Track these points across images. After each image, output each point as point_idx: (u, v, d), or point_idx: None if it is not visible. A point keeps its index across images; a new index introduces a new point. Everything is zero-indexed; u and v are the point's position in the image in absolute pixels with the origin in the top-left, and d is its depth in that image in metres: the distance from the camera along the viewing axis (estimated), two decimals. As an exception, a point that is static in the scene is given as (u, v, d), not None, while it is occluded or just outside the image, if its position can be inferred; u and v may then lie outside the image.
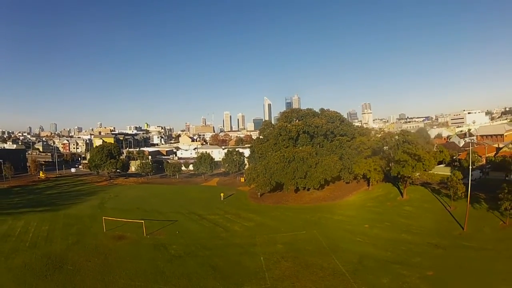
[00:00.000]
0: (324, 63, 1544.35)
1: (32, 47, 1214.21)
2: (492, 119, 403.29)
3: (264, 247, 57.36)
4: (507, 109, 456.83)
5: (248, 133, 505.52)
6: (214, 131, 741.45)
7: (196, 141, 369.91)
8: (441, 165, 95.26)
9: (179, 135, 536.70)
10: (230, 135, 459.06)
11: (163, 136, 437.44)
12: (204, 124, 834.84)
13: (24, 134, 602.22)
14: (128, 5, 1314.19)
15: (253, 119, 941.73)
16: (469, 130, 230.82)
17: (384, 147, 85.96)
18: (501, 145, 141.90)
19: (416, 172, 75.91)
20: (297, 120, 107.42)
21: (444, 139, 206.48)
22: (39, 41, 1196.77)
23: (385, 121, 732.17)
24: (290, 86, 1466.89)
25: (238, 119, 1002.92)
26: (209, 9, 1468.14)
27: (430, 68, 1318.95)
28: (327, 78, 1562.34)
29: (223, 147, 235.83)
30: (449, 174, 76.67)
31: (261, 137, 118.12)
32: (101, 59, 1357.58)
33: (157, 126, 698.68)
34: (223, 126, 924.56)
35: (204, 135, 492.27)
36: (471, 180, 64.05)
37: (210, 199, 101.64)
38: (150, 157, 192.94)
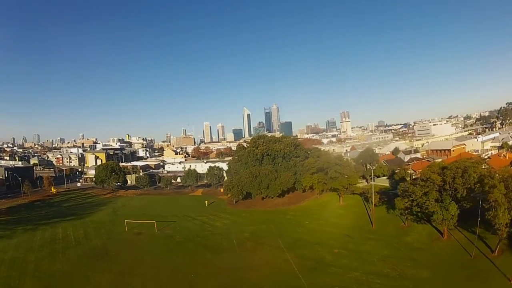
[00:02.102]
0: (303, 72, 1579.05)
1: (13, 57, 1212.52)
2: (465, 126, 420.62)
3: (236, 235, 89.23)
4: (485, 113, 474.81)
5: (228, 145, 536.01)
6: (194, 143, 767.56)
7: (179, 153, 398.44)
8: (384, 177, 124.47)
9: (161, 148, 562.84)
10: (211, 147, 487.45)
11: (147, 149, 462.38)
12: (184, 135, 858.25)
13: (9, 145, 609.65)
14: (107, 10, 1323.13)
15: (233, 129, 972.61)
16: (416, 146, 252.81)
17: (324, 167, 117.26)
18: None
19: (343, 185, 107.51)
20: (263, 144, 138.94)
21: (392, 154, 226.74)
22: (17, 49, 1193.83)
23: (364, 129, 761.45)
24: (269, 95, 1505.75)
25: (218, 130, 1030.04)
26: (187, 21, 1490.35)
27: (414, 73, 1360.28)
28: (306, 87, 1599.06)
29: (205, 160, 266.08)
30: (387, 185, 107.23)
31: (235, 157, 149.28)
32: (81, 70, 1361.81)
33: (139, 138, 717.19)
34: (203, 137, 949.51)
35: (186, 147, 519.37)
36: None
37: (197, 206, 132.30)
38: (141, 171, 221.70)
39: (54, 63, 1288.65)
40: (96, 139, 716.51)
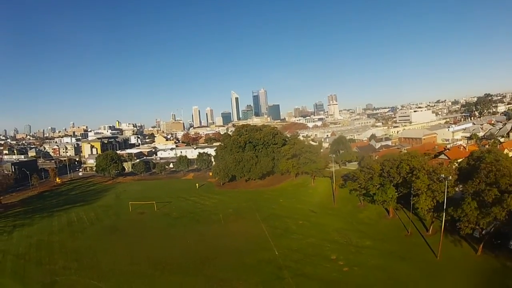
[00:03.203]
0: (291, 55, 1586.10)
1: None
2: (449, 112, 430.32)
3: (222, 210, 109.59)
4: (473, 99, 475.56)
5: (217, 129, 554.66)
6: (184, 128, 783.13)
7: (170, 140, 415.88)
8: (354, 163, 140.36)
9: (152, 134, 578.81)
10: (200, 132, 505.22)
11: (138, 136, 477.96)
12: (174, 120, 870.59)
13: (1, 137, 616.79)
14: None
15: (221, 113, 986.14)
16: (391, 134, 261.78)
17: (297, 153, 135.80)
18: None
19: (312, 169, 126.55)
20: (245, 133, 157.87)
21: (367, 140, 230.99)
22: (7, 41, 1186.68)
23: (351, 112, 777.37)
24: (257, 79, 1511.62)
25: (206, 113, 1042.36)
26: (173, 8, 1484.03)
27: (406, 54, 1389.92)
28: (294, 70, 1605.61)
29: (195, 146, 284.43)
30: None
31: (222, 144, 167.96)
32: (68, 58, 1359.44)
33: (129, 124, 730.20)
34: (193, 121, 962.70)
35: (176, 133, 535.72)
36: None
37: (189, 188, 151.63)
38: (136, 158, 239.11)
39: (41, 53, 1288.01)
40: (86, 126, 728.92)
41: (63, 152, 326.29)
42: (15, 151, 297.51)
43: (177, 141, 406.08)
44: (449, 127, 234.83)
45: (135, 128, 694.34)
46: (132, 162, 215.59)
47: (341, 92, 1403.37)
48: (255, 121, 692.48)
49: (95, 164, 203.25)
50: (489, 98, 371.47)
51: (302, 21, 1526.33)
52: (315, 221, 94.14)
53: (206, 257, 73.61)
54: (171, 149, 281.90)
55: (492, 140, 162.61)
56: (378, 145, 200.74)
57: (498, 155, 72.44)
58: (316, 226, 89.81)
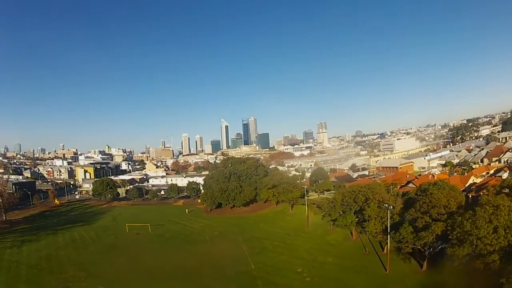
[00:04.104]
0: (281, 84, 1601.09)
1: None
2: (435, 138, 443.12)
3: (209, 233, 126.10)
4: (463, 121, 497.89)
5: (206, 157, 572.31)
6: (173, 155, 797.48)
7: (160, 167, 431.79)
8: (332, 191, 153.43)
9: (142, 160, 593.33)
10: (189, 160, 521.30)
11: (129, 162, 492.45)
12: (163, 147, 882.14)
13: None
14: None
15: (211, 141, 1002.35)
16: (369, 164, 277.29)
17: (276, 184, 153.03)
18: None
19: (289, 198, 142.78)
20: (230, 165, 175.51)
21: (346, 170, 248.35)
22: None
23: (341, 139, 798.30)
24: (247, 107, 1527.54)
25: (196, 141, 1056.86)
26: (163, 31, 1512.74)
27: (396, 79, 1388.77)
28: (284, 97, 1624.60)
29: (184, 175, 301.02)
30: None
31: (209, 174, 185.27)
32: (62, 78, 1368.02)
33: (118, 149, 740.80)
34: (182, 148, 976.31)
35: (165, 161, 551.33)
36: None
37: (180, 213, 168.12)
38: (129, 184, 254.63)
39: (30, 70, 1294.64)
40: (76, 150, 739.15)
41: (57, 174, 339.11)
42: (10, 171, 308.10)
43: (167, 169, 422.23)
44: (426, 155, 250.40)
45: (125, 154, 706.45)
46: (126, 188, 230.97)
47: (331, 119, 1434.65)
48: (244, 149, 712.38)
49: (91, 188, 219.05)
50: (470, 123, 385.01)
51: (292, 49, 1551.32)
52: (289, 242, 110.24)
53: (194, 269, 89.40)
54: (162, 176, 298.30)
55: (462, 167, 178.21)
56: (355, 175, 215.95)
57: (443, 187, 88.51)
58: (289, 246, 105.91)
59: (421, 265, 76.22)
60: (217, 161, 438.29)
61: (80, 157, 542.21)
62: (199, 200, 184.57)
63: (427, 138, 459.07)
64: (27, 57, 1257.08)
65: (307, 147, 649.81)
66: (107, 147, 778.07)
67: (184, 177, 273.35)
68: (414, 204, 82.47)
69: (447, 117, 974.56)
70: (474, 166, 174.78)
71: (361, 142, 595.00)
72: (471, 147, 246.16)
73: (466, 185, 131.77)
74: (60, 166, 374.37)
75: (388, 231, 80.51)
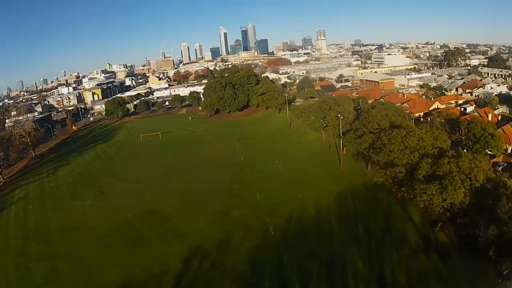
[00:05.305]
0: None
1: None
2: (429, 57, 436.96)
3: (209, 135, 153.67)
4: (462, 45, 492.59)
5: (206, 64, 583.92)
6: (174, 64, 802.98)
7: (162, 79, 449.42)
8: (315, 99, 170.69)
9: (144, 74, 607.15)
10: (190, 69, 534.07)
11: (132, 78, 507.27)
12: (164, 58, 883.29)
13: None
14: None
15: (210, 48, 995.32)
16: (351, 76, 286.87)
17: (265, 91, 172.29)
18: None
19: (275, 104, 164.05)
20: (226, 76, 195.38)
21: (330, 81, 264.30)
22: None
23: (340, 47, 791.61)
24: (245, 14, 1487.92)
25: (195, 49, 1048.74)
26: None
27: None
28: (283, 4, 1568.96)
29: (186, 85, 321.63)
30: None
31: (208, 84, 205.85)
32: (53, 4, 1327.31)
33: (119, 65, 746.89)
34: (182, 57, 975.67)
35: (166, 72, 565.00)
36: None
37: (184, 121, 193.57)
38: (135, 99, 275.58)
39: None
40: (78, 73, 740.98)
41: (66, 102, 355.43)
42: (22, 111, 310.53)
43: (169, 80, 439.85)
44: (408, 74, 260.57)
45: (127, 69, 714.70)
46: (134, 103, 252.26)
47: (331, 26, 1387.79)
48: (243, 55, 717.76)
49: (102, 108, 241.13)
50: (458, 50, 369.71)
51: None
52: (272, 141, 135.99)
53: (198, 163, 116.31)
54: (165, 88, 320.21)
55: (437, 91, 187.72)
56: (338, 85, 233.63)
57: (388, 107, 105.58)
58: (271, 144, 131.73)
59: (367, 167, 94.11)
60: (216, 67, 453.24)
61: (83, 80, 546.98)
62: (200, 108, 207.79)
63: (421, 56, 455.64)
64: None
65: (305, 53, 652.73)
66: (108, 65, 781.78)
67: (186, 87, 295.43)
68: (359, 118, 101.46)
69: (451, 37, 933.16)
70: (446, 93, 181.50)
71: (358, 52, 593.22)
72: (453, 74, 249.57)
73: (430, 109, 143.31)
74: (69, 93, 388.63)
75: (340, 135, 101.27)
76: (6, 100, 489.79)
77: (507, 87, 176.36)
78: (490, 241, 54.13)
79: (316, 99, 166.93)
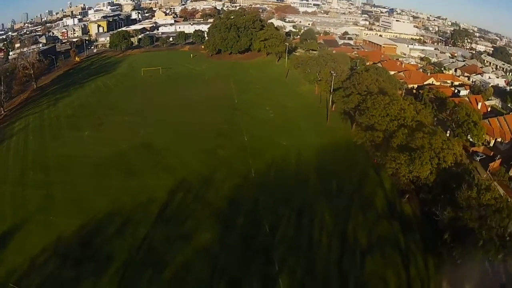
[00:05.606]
0: None
1: None
2: (438, 31, 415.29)
3: (208, 74, 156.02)
4: (472, 27, 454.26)
5: (214, 4, 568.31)
6: (181, 1, 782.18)
7: (168, 14, 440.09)
8: (315, 52, 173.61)
9: (150, 8, 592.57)
10: (197, 7, 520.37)
11: (139, 11, 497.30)
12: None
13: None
14: None
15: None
16: (355, 35, 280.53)
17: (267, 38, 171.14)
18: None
19: (275, 51, 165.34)
20: (232, 18, 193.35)
21: (332, 35, 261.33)
22: None
23: (351, 3, 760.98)
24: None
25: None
26: None
27: None
28: None
29: (191, 22, 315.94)
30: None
31: (213, 24, 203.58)
32: None
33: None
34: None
35: (174, 8, 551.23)
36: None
37: (185, 58, 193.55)
38: (140, 33, 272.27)
39: None
40: (84, 4, 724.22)
41: (71, 34, 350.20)
42: (26, 42, 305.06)
43: (175, 16, 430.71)
44: (411, 43, 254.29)
45: (133, 3, 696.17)
46: (138, 37, 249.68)
47: None
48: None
49: (106, 41, 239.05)
50: (466, 32, 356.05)
51: None
52: (267, 87, 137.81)
53: (194, 101, 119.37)
54: (171, 24, 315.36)
55: (436, 67, 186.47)
56: (340, 42, 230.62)
57: (381, 73, 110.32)
58: (266, 90, 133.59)
59: (352, 126, 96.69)
60: (224, 8, 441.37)
61: (89, 12, 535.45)
62: (202, 46, 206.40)
63: (430, 29, 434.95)
64: None
65: (315, 4, 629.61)
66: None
67: (191, 25, 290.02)
68: (350, 78, 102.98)
69: (464, 17, 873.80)
70: (445, 71, 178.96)
71: (368, 12, 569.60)
72: (456, 54, 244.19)
73: (424, 83, 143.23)
74: (74, 25, 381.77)
75: (331, 91, 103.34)
76: (10, 33, 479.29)
77: (505, 81, 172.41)
78: (446, 224, 54.48)
79: (316, 52, 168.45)
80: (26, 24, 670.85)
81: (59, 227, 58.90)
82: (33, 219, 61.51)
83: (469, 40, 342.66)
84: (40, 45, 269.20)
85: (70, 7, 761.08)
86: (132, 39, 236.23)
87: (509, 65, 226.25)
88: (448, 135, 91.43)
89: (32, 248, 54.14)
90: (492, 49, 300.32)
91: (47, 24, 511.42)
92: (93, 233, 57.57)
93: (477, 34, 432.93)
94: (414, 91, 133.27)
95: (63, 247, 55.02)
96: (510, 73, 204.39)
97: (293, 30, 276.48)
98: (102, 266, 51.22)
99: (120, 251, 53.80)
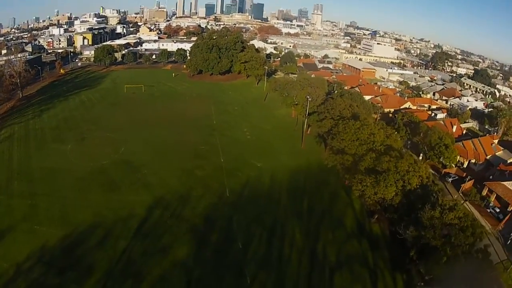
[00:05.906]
0: None
1: None
2: (419, 55, 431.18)
3: (189, 94, 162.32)
4: (455, 49, 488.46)
5: (198, 21, 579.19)
6: (167, 16, 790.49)
7: (153, 30, 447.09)
8: (294, 75, 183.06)
9: (136, 23, 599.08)
10: (181, 24, 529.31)
11: (124, 25, 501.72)
12: (158, 8, 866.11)
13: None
14: None
15: (206, 4, 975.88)
16: (335, 58, 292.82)
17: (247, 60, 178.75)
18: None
19: (255, 74, 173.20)
20: (214, 39, 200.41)
21: (312, 58, 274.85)
22: None
23: (334, 25, 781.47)
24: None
25: (191, 2, 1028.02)
26: None
27: None
28: None
29: (175, 40, 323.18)
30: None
31: (196, 44, 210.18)
32: None
33: (113, 10, 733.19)
34: (176, 9, 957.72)
35: (158, 24, 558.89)
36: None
37: (167, 77, 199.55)
38: (124, 48, 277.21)
39: None
40: (70, 14, 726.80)
41: (56, 44, 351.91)
42: (13, 49, 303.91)
43: (159, 32, 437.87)
44: (390, 68, 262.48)
45: (119, 16, 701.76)
46: (122, 53, 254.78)
47: (329, 1, 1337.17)
48: (236, 17, 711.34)
49: (90, 54, 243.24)
50: (447, 55, 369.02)
51: None
52: (245, 109, 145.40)
53: (174, 120, 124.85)
54: (155, 41, 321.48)
55: (414, 91, 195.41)
56: (320, 66, 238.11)
57: (355, 98, 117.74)
58: (244, 112, 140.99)
59: (325, 149, 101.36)
60: (208, 26, 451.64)
61: (75, 22, 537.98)
62: (184, 66, 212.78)
63: (412, 52, 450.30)
64: None
65: (298, 25, 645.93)
66: (101, 8, 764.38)
67: (174, 43, 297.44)
68: (325, 102, 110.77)
69: (447, 39, 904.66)
70: (423, 95, 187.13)
71: (351, 34, 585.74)
72: (435, 77, 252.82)
73: (401, 107, 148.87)
74: (60, 35, 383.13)
75: (306, 115, 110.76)
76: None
77: (484, 104, 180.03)
78: (411, 242, 59.27)
79: (296, 75, 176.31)
80: (13, 30, 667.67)
81: (44, 236, 63.20)
82: (18, 227, 65.48)
83: (449, 64, 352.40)
84: (27, 54, 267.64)
85: (57, 15, 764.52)
86: (116, 54, 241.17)
87: (489, 87, 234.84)
88: (420, 158, 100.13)
89: (18, 254, 58.28)
90: (473, 71, 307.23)
91: (33, 32, 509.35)
92: (76, 244, 62.07)
93: (459, 57, 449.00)
94: (390, 115, 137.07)
95: (47, 255, 59.35)
96: (490, 96, 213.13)
97: (274, 52, 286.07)
98: (84, 275, 55.82)
99: (101, 262, 58.53)
